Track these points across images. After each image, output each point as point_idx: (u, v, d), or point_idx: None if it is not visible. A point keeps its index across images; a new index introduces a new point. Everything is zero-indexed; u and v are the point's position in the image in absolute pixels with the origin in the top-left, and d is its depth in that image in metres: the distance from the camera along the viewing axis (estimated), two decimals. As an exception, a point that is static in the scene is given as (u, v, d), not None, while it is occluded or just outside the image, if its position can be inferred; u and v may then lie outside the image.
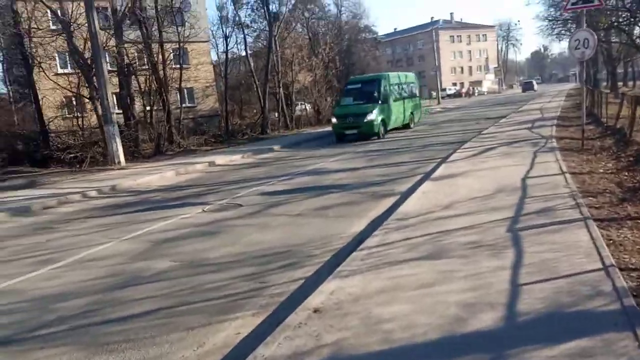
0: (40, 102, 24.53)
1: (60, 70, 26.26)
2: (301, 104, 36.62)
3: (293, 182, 11.52)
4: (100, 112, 17.66)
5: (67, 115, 24.57)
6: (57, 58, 25.91)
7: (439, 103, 52.69)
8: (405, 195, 8.60)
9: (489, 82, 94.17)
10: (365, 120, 19.92)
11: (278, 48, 28.69)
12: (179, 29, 25.36)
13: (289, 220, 7.97)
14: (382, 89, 21.03)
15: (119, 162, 16.71)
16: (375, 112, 20.14)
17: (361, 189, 10.03)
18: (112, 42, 21.42)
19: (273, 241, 6.88)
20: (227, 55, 28.40)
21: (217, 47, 46.30)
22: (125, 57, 22.13)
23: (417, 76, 28.74)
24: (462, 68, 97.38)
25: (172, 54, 25.87)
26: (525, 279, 4.25)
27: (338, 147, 19.16)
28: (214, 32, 47.14)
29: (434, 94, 60.69)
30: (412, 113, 24.67)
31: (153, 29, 23.85)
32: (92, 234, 8.19)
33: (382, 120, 20.66)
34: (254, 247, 6.68)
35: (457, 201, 7.45)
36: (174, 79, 25.30)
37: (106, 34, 20.21)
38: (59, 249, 7.44)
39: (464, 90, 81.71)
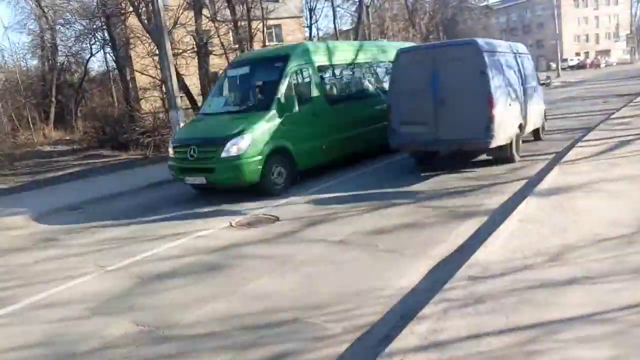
0: (129, 83, 24.35)
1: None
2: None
3: (355, 184, 9.20)
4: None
5: (151, 96, 23.73)
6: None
7: (558, 76, 46.65)
8: (493, 222, 5.99)
9: (619, 51, 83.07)
10: (221, 157, 8.47)
11: (370, 19, 26.02)
12: (271, 5, 23.74)
13: (323, 253, 5.76)
14: (286, 80, 9.35)
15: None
16: (248, 137, 8.54)
17: (435, 199, 7.52)
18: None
19: (284, 294, 4.74)
20: (311, 29, 26.31)
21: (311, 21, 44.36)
22: (204, 37, 20.91)
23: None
24: (587, 36, 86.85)
25: (261, 31, 24.35)
26: None
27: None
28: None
29: (553, 65, 54.09)
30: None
31: (242, 6, 22.32)
32: (85, 256, 6.56)
33: (277, 152, 8.95)
34: (252, 304, 4.60)
35: (573, 246, 4.75)
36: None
37: (181, 11, 18.92)
38: (31, 279, 5.88)
39: (588, 60, 72.65)
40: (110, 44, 23.96)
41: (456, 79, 8.64)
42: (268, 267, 5.47)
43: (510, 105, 9.24)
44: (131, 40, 21.53)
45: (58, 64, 27.61)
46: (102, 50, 28.13)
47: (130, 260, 6.14)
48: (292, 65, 9.59)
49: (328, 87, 10.63)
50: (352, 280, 4.91)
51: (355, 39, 24.63)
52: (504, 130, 8.89)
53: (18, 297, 5.30)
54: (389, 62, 11.95)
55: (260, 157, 8.62)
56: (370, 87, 11.93)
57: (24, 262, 6.55)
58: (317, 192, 8.88)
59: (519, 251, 4.77)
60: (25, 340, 4.37)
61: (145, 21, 16.63)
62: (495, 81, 8.67)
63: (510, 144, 9.32)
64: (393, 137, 9.52)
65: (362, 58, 11.85)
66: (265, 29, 23.11)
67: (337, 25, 28.02)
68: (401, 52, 9.58)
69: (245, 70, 10.40)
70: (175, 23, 17.56)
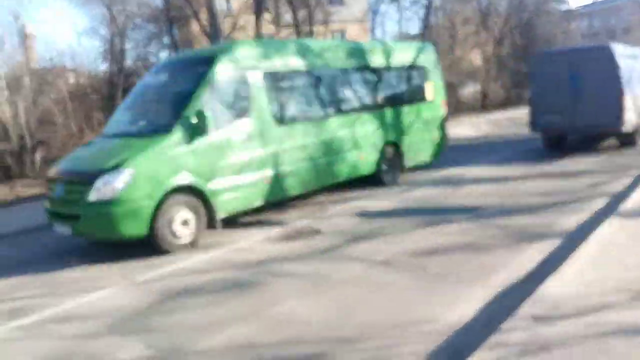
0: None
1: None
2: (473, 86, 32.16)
3: (408, 197, 8.45)
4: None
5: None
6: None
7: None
8: (567, 246, 5.12)
9: None
10: (88, 200, 6.10)
11: (439, 22, 25.00)
12: (335, 9, 23.45)
13: (363, 275, 5.11)
14: (205, 90, 6.83)
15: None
16: (128, 172, 6.10)
17: (502, 217, 6.66)
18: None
19: (312, 321, 4.15)
20: (374, 32, 25.56)
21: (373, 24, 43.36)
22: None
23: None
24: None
25: (323, 36, 24.14)
26: None
27: (496, 144, 15.30)
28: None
29: None
30: (386, 149, 9.40)
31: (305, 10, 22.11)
32: (115, 265, 6.22)
33: (181, 192, 6.47)
34: (276, 331, 4.03)
35: (667, 282, 3.85)
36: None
37: (241, 15, 18.94)
38: (56, 289, 5.59)
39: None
40: (174, 48, 24.46)
41: (592, 76, 10.56)
42: (300, 288, 4.90)
43: (636, 98, 11.06)
44: (194, 45, 21.87)
45: (125, 67, 28.59)
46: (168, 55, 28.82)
47: (158, 273, 5.76)
48: (220, 71, 7.01)
49: (281, 100, 7.84)
50: (392, 309, 4.24)
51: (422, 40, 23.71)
52: (631, 119, 10.75)
53: (38, 307, 5.03)
54: (396, 67, 9.94)
55: (148, 202, 6.12)
56: (356, 101, 9.12)
57: (53, 270, 6.29)
58: (372, 199, 8.24)
59: (597, 285, 3.91)
60: (31, 357, 4.04)
61: (207, 25, 16.65)
62: (624, 78, 10.56)
63: (635, 131, 11.17)
64: (534, 124, 11.56)
65: (347, 63, 9.10)
66: (327, 32, 22.74)
67: (402, 29, 27.12)
68: (543, 54, 12.05)
69: (164, 76, 7.83)
70: (234, 27, 17.48)
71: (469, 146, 14.64)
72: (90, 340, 4.24)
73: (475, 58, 29.99)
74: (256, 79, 7.46)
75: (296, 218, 7.66)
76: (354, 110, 9.01)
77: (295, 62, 8.22)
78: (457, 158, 11.75)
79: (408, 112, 9.97)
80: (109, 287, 5.42)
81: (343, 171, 8.66)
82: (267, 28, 19.97)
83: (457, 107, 28.25)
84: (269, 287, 5.00)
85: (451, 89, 28.60)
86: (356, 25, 27.89)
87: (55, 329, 4.52)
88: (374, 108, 9.34)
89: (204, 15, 16.94)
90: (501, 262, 5.01)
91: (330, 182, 8.56)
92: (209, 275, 5.53)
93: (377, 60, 9.65)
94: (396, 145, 9.60)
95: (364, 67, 9.38)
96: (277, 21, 21.48)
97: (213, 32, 13.06)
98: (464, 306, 4.13)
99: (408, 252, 5.59)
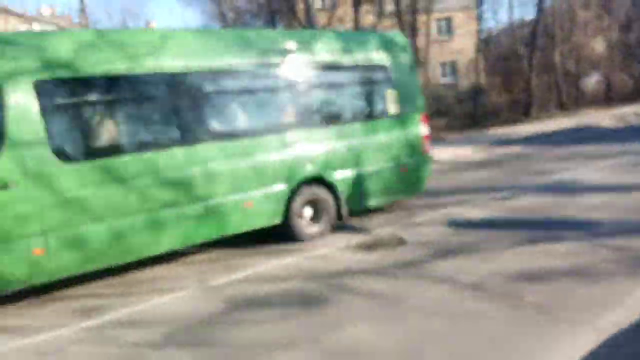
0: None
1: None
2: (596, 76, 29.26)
3: (509, 206, 7.54)
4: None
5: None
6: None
7: None
8: None
9: None
10: None
11: (554, 5, 22.87)
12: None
13: (445, 300, 4.46)
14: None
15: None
16: None
17: (621, 236, 5.62)
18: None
19: (375, 355, 3.62)
20: (481, 19, 23.91)
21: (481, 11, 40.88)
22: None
23: None
24: None
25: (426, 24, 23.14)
26: None
27: (623, 143, 13.57)
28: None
29: None
30: (303, 189, 6.65)
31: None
32: (193, 266, 6.18)
33: None
34: (336, 363, 3.58)
35: None
36: (435, 53, 22.55)
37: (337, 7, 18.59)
38: (131, 288, 5.60)
39: None
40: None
41: None
42: (371, 310, 4.39)
43: None
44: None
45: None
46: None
47: (230, 278, 5.56)
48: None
49: (79, 123, 5.37)
50: (472, 349, 3.59)
51: (534, 25, 21.74)
52: None
53: (108, 308, 5.01)
54: (332, 68, 7.10)
55: None
56: (246, 119, 6.46)
57: (135, 266, 6.32)
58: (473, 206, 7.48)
59: None
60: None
61: (303, 18, 16.55)
62: None
63: None
64: None
65: (235, 61, 6.28)
66: (430, 22, 21.63)
67: (515, 15, 25.12)
68: None
69: None
70: (331, 19, 17.19)
71: (588, 146, 13.13)
72: (145, 349, 4.07)
73: (598, 45, 27.11)
74: (21, 92, 4.93)
75: (381, 224, 7.13)
76: (238, 132, 6.27)
77: (121, 61, 5.51)
78: (572, 161, 10.47)
79: (351, 134, 7.13)
80: (179, 291, 5.30)
81: (207, 228, 5.95)
82: (368, 19, 19.41)
83: (578, 100, 25.90)
84: (337, 305, 4.54)
85: (571, 79, 26.23)
86: (462, 13, 26.33)
87: (116, 334, 4.42)
88: (285, 128, 6.60)
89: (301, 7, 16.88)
90: (614, 297, 4.13)
91: (179, 245, 5.92)
92: (280, 284, 5.20)
93: (296, 58, 6.79)
94: (326, 183, 6.87)
95: (269, 68, 6.58)
96: (378, 11, 20.83)
97: (308, 25, 12.84)
98: (562, 355, 3.38)
99: (502, 275, 4.84)
